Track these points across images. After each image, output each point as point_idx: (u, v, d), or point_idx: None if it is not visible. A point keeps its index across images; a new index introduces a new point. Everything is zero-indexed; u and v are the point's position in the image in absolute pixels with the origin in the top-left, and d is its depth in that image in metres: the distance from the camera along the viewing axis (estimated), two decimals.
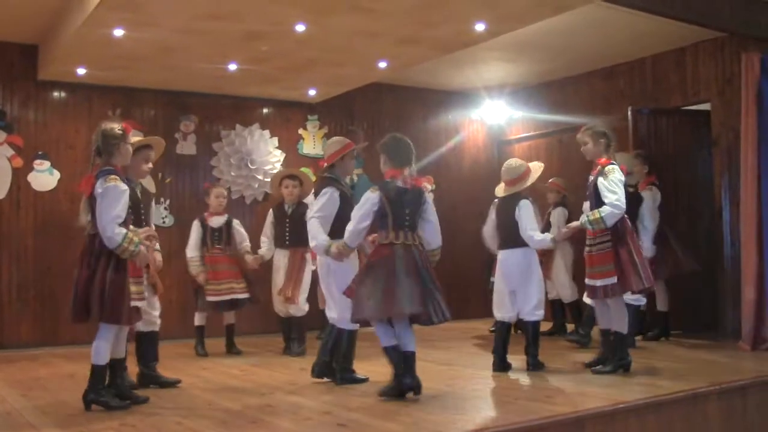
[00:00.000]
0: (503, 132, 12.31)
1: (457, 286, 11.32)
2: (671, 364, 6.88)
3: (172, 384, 6.29)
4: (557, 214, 9.01)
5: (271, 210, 8.45)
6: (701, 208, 9.28)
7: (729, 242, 8.88)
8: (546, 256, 8.99)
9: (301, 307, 8.03)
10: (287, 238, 8.14)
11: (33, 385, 6.46)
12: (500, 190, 6.97)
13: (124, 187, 5.23)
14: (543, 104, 11.54)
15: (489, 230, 7.15)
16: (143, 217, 6.02)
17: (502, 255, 6.83)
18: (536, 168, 6.89)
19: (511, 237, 6.71)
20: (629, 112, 9.30)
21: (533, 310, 6.71)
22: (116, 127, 5.39)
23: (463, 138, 12.16)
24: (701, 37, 9.10)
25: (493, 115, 12.21)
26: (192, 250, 8.22)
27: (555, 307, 9.56)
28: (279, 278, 8.13)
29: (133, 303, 5.39)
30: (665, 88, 9.77)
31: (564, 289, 9.16)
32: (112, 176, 5.20)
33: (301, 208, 8.06)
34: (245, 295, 8.18)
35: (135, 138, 6.44)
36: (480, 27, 7.63)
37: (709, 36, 9.00)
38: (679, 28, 8.41)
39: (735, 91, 8.67)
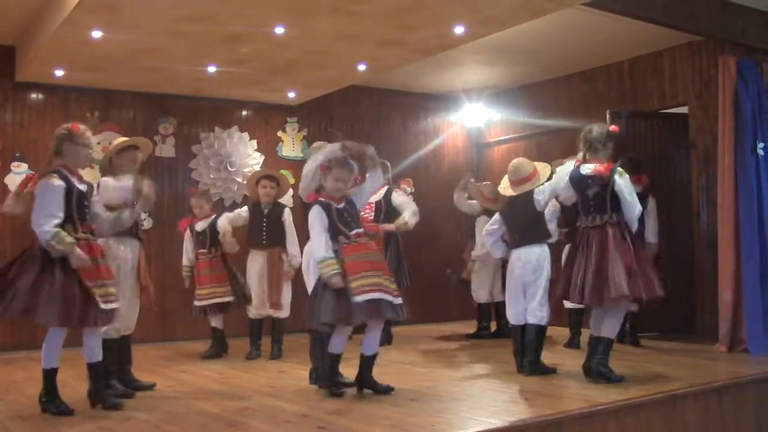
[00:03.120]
0: (482, 135, 12.34)
1: (436, 288, 11.34)
2: (649, 366, 6.92)
3: (148, 387, 6.29)
4: (482, 222, 8.93)
5: (246, 206, 8.36)
6: (679, 211, 9.35)
7: (706, 244, 8.95)
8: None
9: (285, 309, 8.04)
10: (264, 238, 8.06)
11: (10, 389, 6.43)
12: (507, 189, 6.85)
13: (58, 183, 5.26)
14: (522, 107, 11.58)
15: (494, 232, 7.02)
16: None
17: (516, 254, 6.73)
18: (543, 170, 6.80)
19: (528, 233, 6.67)
20: (607, 115, 9.33)
21: (535, 311, 6.60)
22: (63, 127, 5.50)
23: (443, 141, 12.18)
24: (679, 41, 9.17)
25: (472, 118, 12.23)
26: (184, 259, 8.40)
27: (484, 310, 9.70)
28: (253, 278, 8.08)
29: (102, 306, 5.30)
30: (643, 92, 9.84)
31: (482, 291, 9.40)
32: (52, 174, 5.28)
33: (277, 209, 8.07)
34: (227, 299, 8.09)
35: (121, 138, 6.53)
36: (459, 30, 7.64)
37: (687, 39, 9.07)
38: (656, 32, 8.48)
39: (712, 94, 8.75)
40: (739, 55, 8.15)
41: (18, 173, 8.99)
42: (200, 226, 8.23)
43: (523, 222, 6.70)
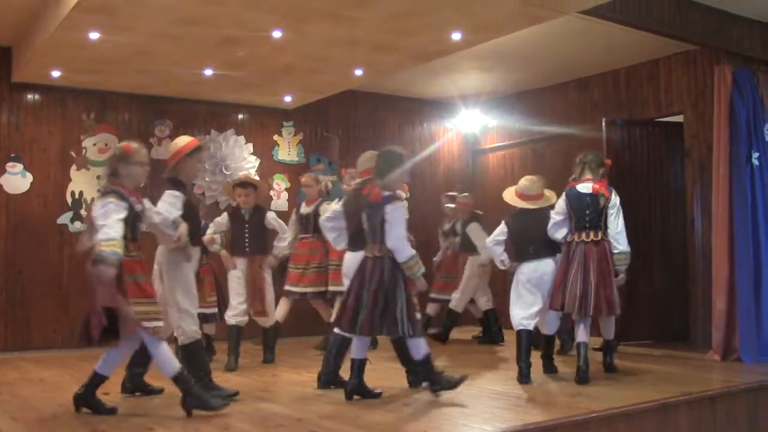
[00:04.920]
0: (478, 141, 12.35)
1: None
2: (642, 374, 6.93)
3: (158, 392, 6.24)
4: (474, 228, 9.26)
5: (226, 213, 8.04)
6: (674, 219, 9.37)
7: (701, 252, 8.96)
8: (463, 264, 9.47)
9: (271, 316, 7.88)
10: (247, 245, 7.69)
11: (2, 390, 6.40)
12: (516, 200, 7.16)
13: (120, 203, 5.21)
14: (518, 114, 11.60)
15: (502, 243, 7.25)
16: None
17: (531, 266, 6.94)
18: (552, 197, 7.17)
19: (545, 247, 6.97)
20: (603, 123, 9.37)
21: (550, 321, 7.04)
22: (116, 148, 5.55)
23: (438, 147, 12.18)
24: (674, 50, 9.20)
25: (468, 124, 12.25)
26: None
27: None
28: (234, 284, 7.68)
29: (149, 324, 5.23)
30: (639, 100, 9.86)
31: (484, 298, 9.56)
32: (110, 194, 5.24)
33: (259, 214, 7.77)
34: (213, 310, 7.90)
35: (184, 138, 6.17)
36: (456, 36, 7.66)
37: (682, 48, 9.09)
38: (652, 41, 8.49)
39: (707, 103, 8.77)
40: (735, 64, 8.18)
41: (13, 174, 9.00)
42: None
43: (539, 236, 6.96)
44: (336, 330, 6.26)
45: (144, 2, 6.60)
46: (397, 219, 5.75)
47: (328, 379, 6.35)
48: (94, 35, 7.34)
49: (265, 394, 6.17)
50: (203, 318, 7.70)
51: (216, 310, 7.96)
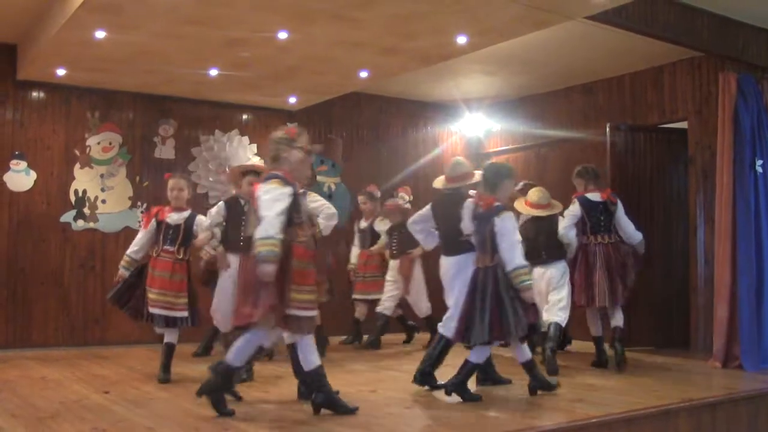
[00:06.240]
0: (481, 145, 12.33)
1: (436, 297, 11.33)
2: (642, 380, 6.92)
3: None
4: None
5: (222, 203, 7.18)
6: (676, 226, 9.36)
7: (703, 260, 8.96)
8: (405, 269, 9.32)
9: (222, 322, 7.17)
10: (242, 240, 6.52)
11: (2, 388, 6.39)
12: (527, 210, 7.68)
13: (284, 189, 5.08)
14: (522, 118, 11.59)
15: None
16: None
17: (540, 270, 7.49)
18: (557, 204, 7.77)
19: (555, 252, 7.60)
20: (607, 128, 9.36)
21: (560, 312, 7.41)
22: (281, 132, 5.46)
23: (442, 150, 12.16)
24: (679, 56, 9.19)
25: (472, 128, 12.24)
26: (131, 250, 6.96)
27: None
28: (226, 284, 6.82)
29: (301, 312, 5.11)
30: (643, 106, 9.85)
31: (422, 303, 9.47)
32: (273, 180, 5.12)
33: None
34: (182, 314, 6.71)
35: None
36: (461, 40, 7.66)
37: (687, 55, 9.09)
38: (657, 47, 8.49)
39: (712, 110, 8.76)
40: (739, 71, 8.17)
41: (17, 171, 9.01)
42: (174, 218, 6.89)
43: (550, 242, 7.59)
44: (441, 332, 6.43)
45: (150, 2, 6.62)
46: (507, 229, 5.76)
47: (424, 379, 6.37)
48: (99, 34, 7.35)
49: (266, 394, 6.17)
50: (167, 321, 6.77)
51: (185, 314, 6.75)
